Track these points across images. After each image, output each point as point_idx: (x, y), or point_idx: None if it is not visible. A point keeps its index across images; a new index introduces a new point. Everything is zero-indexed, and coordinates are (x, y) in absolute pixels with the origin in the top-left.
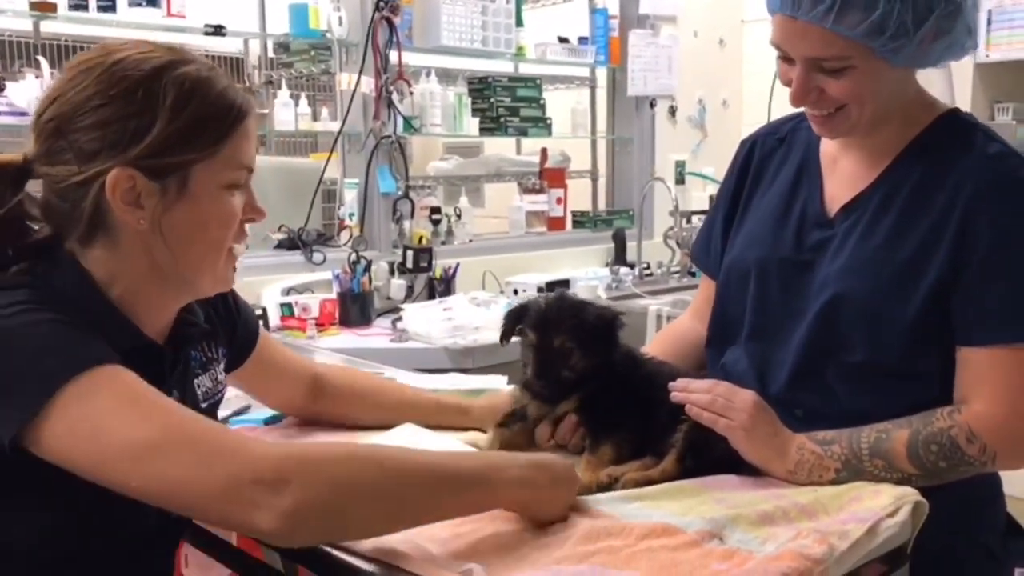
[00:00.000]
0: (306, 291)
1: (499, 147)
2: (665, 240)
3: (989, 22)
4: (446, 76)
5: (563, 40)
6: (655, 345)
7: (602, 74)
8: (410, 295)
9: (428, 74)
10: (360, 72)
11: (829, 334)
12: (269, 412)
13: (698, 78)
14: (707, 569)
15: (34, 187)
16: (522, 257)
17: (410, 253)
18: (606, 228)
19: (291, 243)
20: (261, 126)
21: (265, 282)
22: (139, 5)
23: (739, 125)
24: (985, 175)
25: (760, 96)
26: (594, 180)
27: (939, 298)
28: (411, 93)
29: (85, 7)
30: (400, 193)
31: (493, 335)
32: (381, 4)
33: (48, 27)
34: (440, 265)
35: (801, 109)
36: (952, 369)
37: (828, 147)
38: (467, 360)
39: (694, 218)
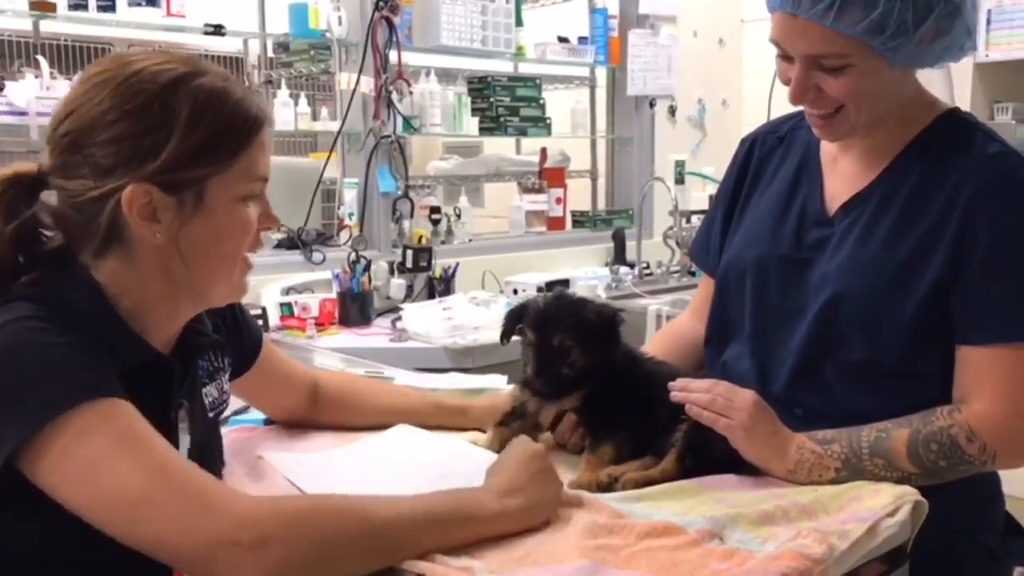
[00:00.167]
0: (306, 291)
1: (499, 147)
2: (665, 240)
3: (988, 22)
4: (446, 76)
5: (563, 40)
6: (654, 344)
7: (602, 74)
8: (410, 295)
9: (428, 74)
10: (360, 72)
11: (828, 333)
12: None
13: (698, 78)
14: (707, 569)
15: (46, 194)
16: (522, 257)
17: (410, 253)
18: (606, 228)
19: (291, 243)
20: None
21: (265, 282)
22: (138, 5)
23: (739, 125)
24: (985, 175)
25: (760, 96)
26: (594, 180)
27: (938, 297)
28: (411, 93)
29: (85, 7)
30: (400, 193)
31: (493, 335)
32: (381, 4)
33: (48, 27)
34: (440, 265)
35: (801, 108)
36: (951, 368)
37: (828, 146)
38: (467, 360)
39: (694, 218)
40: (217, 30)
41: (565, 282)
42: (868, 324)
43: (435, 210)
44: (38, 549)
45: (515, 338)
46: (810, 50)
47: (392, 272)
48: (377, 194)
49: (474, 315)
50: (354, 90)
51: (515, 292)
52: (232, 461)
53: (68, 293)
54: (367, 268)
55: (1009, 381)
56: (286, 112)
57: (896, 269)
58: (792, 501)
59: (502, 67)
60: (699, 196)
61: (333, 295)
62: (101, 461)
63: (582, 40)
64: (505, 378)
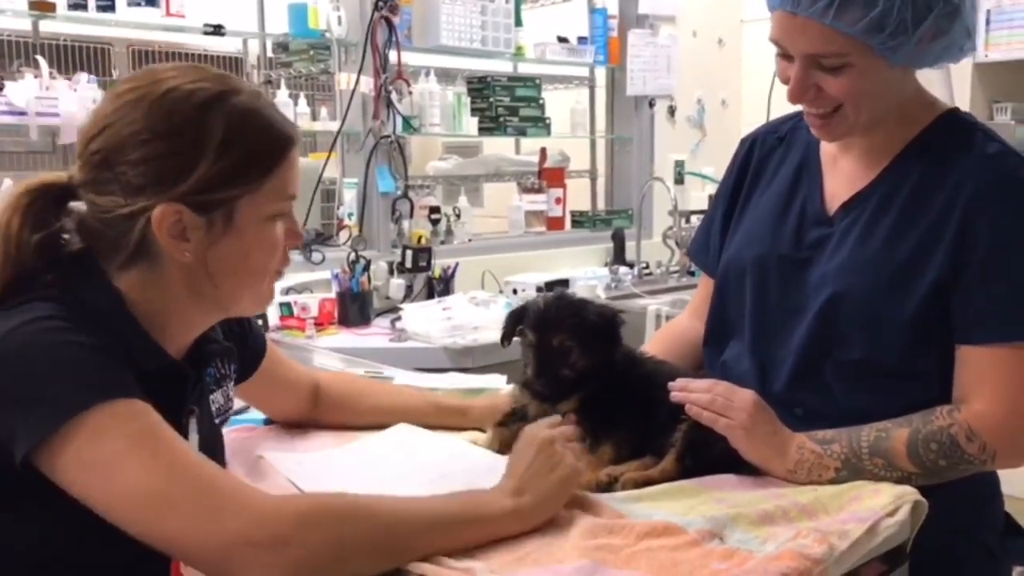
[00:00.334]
0: (305, 291)
1: (498, 147)
2: (664, 240)
3: (988, 22)
4: (445, 76)
5: (562, 40)
6: (654, 344)
7: (601, 74)
8: (409, 295)
9: (427, 74)
10: (359, 72)
11: (828, 333)
12: None
13: (697, 78)
14: (707, 569)
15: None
16: (521, 257)
17: (409, 253)
18: (605, 228)
19: None
20: None
21: None
22: (138, 5)
23: (738, 125)
24: (985, 175)
25: (759, 96)
26: (593, 180)
27: (938, 297)
28: (410, 93)
29: (84, 7)
30: (399, 193)
31: (492, 335)
32: (380, 4)
33: (47, 26)
34: (439, 265)
35: (800, 108)
36: (951, 368)
37: (828, 146)
38: (466, 360)
39: (693, 218)
40: (216, 30)
41: (565, 282)
42: (868, 324)
43: (434, 210)
44: (37, 549)
45: (515, 339)
46: (809, 49)
47: (391, 272)
48: (376, 194)
49: (473, 315)
50: (353, 90)
51: (514, 292)
52: (232, 461)
53: (87, 296)
54: (366, 268)
55: (1009, 381)
56: (286, 112)
57: (896, 269)
58: (792, 501)
59: (501, 67)
60: (698, 196)
61: (332, 295)
62: (120, 460)
63: (581, 40)
64: (505, 378)
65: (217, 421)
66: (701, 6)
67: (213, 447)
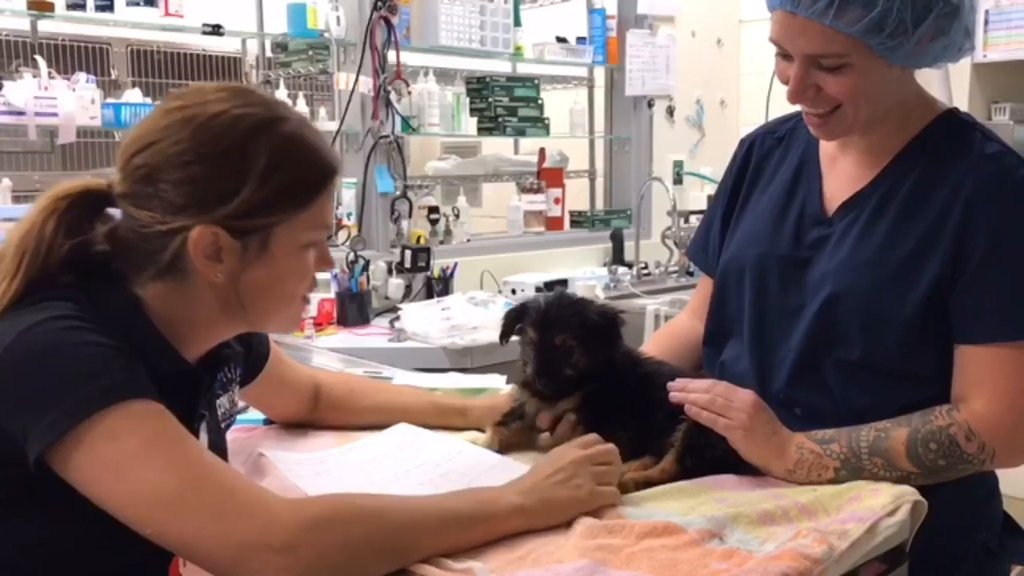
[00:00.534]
0: None
1: (497, 147)
2: (663, 240)
3: (986, 22)
4: (444, 76)
5: (561, 40)
6: (653, 344)
7: (600, 74)
8: (408, 295)
9: (426, 74)
10: (358, 72)
11: (828, 332)
12: None
13: (696, 78)
14: (707, 569)
15: None
16: (520, 257)
17: (408, 253)
18: (604, 228)
19: None
20: None
21: None
22: (137, 4)
23: (737, 125)
24: (984, 175)
25: (758, 96)
26: (592, 180)
27: (937, 297)
28: (409, 93)
29: (83, 6)
30: (398, 193)
31: (491, 335)
32: (379, 4)
33: (46, 26)
34: (438, 265)
35: (799, 108)
36: (950, 367)
37: (827, 146)
38: (465, 360)
39: (692, 218)
40: (215, 30)
41: (563, 282)
42: (867, 323)
43: (433, 210)
44: (43, 548)
45: (514, 338)
46: (809, 49)
47: (390, 272)
48: (375, 194)
49: (472, 315)
50: (352, 90)
51: (513, 292)
52: (232, 461)
53: (103, 299)
54: (365, 268)
55: (1008, 380)
56: None
57: (895, 268)
58: (792, 501)
59: (500, 67)
60: (697, 196)
61: (331, 295)
62: (135, 460)
63: (580, 40)
64: (504, 378)
65: (223, 426)
66: (700, 6)
67: (218, 451)
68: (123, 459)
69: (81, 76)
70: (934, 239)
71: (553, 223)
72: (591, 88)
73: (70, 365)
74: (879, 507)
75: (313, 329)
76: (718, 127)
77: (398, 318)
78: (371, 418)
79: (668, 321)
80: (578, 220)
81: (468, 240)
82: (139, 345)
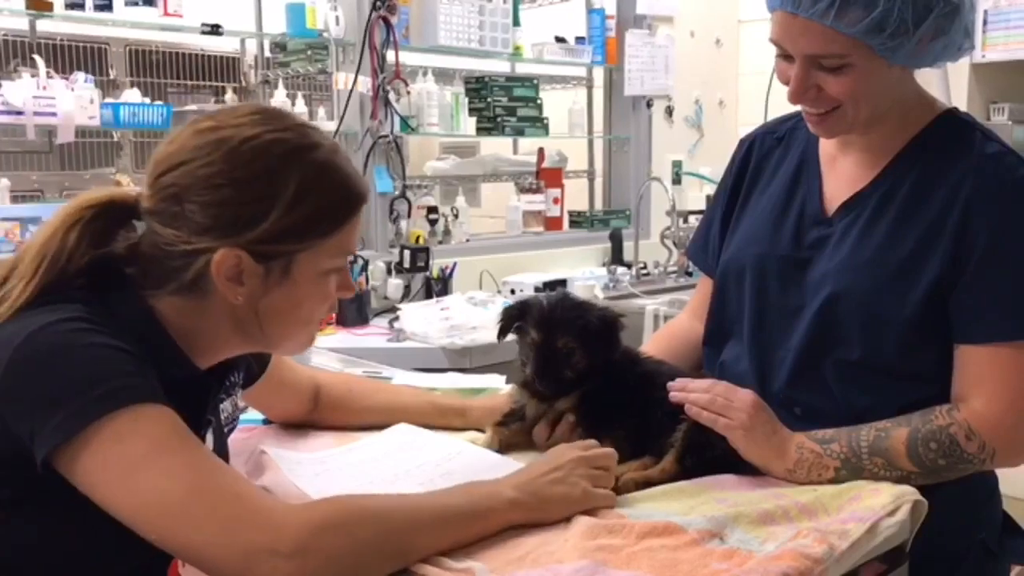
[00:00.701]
0: None
1: (496, 147)
2: (662, 240)
3: (985, 22)
4: (443, 76)
5: (560, 40)
6: (653, 344)
7: (599, 74)
8: (407, 295)
9: (425, 74)
10: (357, 72)
11: (827, 332)
12: None
13: (695, 78)
14: (707, 569)
15: None
16: (519, 257)
17: (407, 253)
18: (603, 228)
19: None
20: None
21: None
22: (135, 4)
23: (735, 125)
24: (984, 174)
25: (756, 96)
26: (591, 180)
27: (937, 297)
28: (408, 93)
29: (81, 6)
30: (397, 193)
31: (490, 335)
32: (378, 3)
33: (44, 26)
34: (437, 265)
35: (799, 108)
36: (950, 367)
37: (827, 146)
38: (464, 360)
39: (691, 218)
40: (214, 30)
41: (563, 282)
42: (867, 323)
43: (432, 210)
44: (43, 550)
45: (511, 337)
46: (810, 49)
47: (389, 272)
48: (374, 194)
49: (472, 315)
50: (351, 90)
51: (512, 292)
52: (233, 462)
53: (119, 302)
54: (364, 268)
55: (1008, 379)
56: None
57: (895, 268)
58: (792, 501)
59: (499, 67)
60: (696, 196)
61: None
62: (141, 464)
63: (579, 40)
64: (503, 378)
65: (225, 430)
66: (699, 6)
67: (221, 455)
68: (130, 463)
69: (80, 76)
70: (934, 239)
71: (552, 223)
72: (590, 88)
73: (79, 367)
74: (879, 507)
75: None
76: (717, 127)
77: (397, 318)
78: (371, 418)
79: (668, 322)
80: (577, 220)
81: (467, 240)
82: (150, 350)
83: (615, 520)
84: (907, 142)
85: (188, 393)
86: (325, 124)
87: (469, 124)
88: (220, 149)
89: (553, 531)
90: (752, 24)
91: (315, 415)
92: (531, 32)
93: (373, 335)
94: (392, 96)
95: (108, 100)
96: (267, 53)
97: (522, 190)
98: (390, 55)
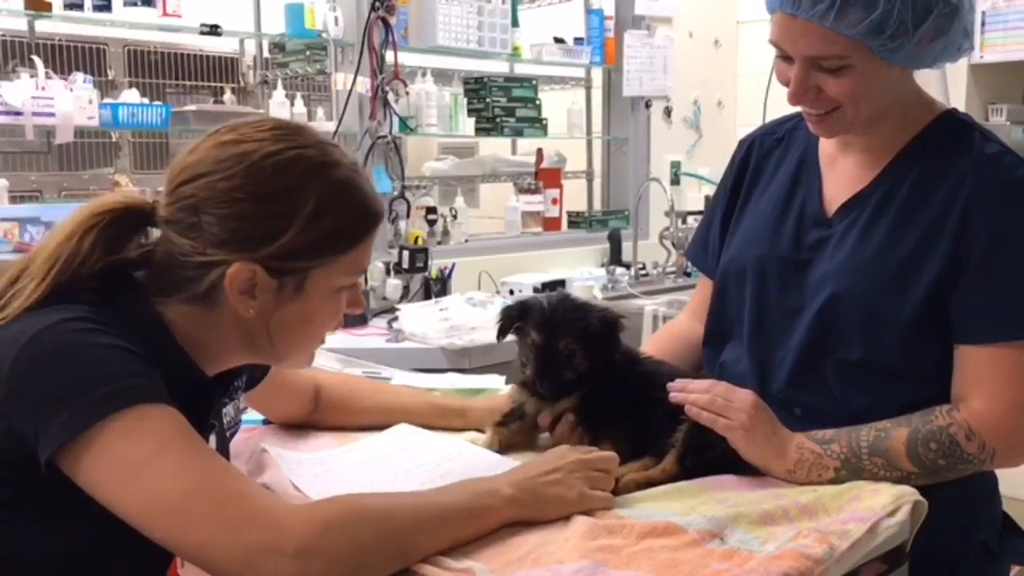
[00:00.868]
0: None
1: (494, 147)
2: (661, 240)
3: (983, 23)
4: (442, 76)
5: (559, 40)
6: (652, 345)
7: (597, 74)
8: (406, 295)
9: (424, 74)
10: (356, 72)
11: (827, 333)
12: None
13: (693, 79)
14: (708, 569)
15: None
16: (518, 257)
17: (406, 253)
18: (602, 228)
19: None
20: None
21: None
22: (134, 5)
23: (734, 126)
24: (983, 175)
25: (755, 97)
26: (589, 180)
27: (937, 297)
28: (407, 93)
29: (80, 6)
30: (396, 193)
31: (489, 335)
32: (377, 4)
33: (43, 26)
34: (436, 265)
35: (798, 109)
36: (950, 367)
37: (827, 146)
38: (463, 360)
39: (690, 218)
40: (213, 30)
41: (561, 283)
42: (867, 324)
43: (431, 211)
44: (44, 551)
45: (511, 337)
46: (810, 51)
47: (388, 272)
48: None
49: (470, 316)
50: (350, 90)
51: (511, 293)
52: (234, 462)
53: (127, 305)
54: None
55: (1008, 379)
56: (282, 112)
57: (895, 269)
58: (792, 501)
59: (498, 68)
60: (695, 197)
61: None
62: (146, 464)
63: (578, 41)
64: (503, 378)
65: (228, 434)
66: (697, 7)
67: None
68: (135, 462)
69: (78, 76)
70: (934, 239)
71: (551, 224)
72: (589, 89)
73: (85, 367)
74: (879, 507)
75: None
76: (715, 128)
77: (396, 318)
78: (371, 418)
79: (667, 322)
80: (576, 221)
81: (466, 241)
82: (156, 353)
83: (615, 520)
84: (907, 142)
85: (193, 397)
86: (324, 125)
87: (468, 125)
88: (242, 163)
89: (553, 531)
90: (751, 25)
91: (315, 416)
92: (530, 33)
93: (372, 335)
94: (391, 96)
95: (107, 100)
96: (266, 53)
97: (521, 191)
98: (389, 55)
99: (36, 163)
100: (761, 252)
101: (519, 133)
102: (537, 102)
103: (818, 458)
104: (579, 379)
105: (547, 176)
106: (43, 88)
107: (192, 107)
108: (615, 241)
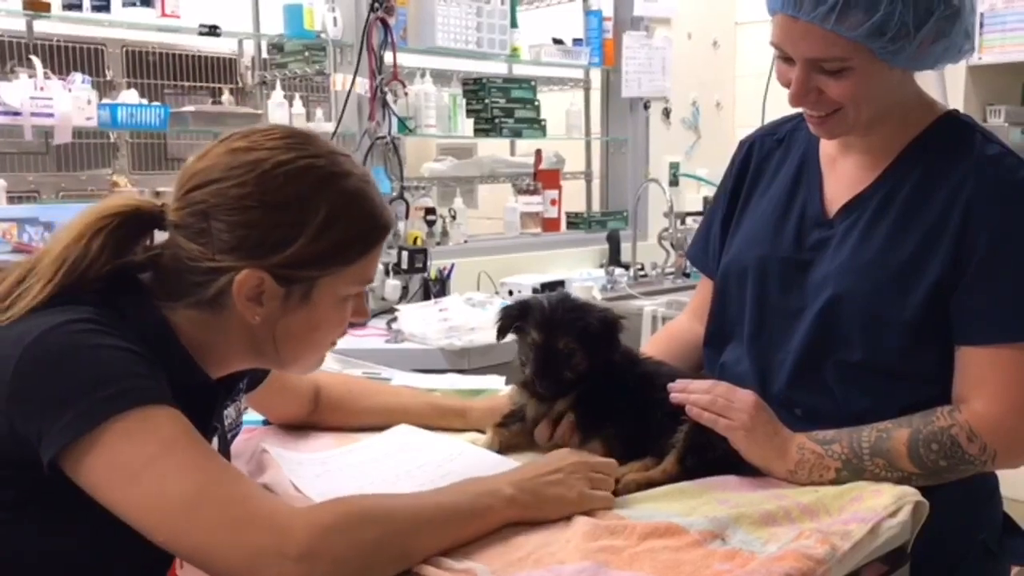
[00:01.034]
0: None
1: (493, 148)
2: (660, 241)
3: (981, 25)
4: (441, 77)
5: (557, 41)
6: (652, 346)
7: (596, 75)
8: (405, 296)
9: (423, 75)
10: (355, 73)
11: (828, 334)
12: None
13: (692, 80)
14: (709, 569)
15: None
16: (517, 258)
17: (405, 254)
18: (600, 229)
19: None
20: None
21: None
22: (133, 5)
23: (732, 127)
24: (984, 176)
25: (754, 98)
26: (588, 181)
27: (938, 298)
28: (405, 94)
29: (79, 7)
30: (395, 194)
31: (489, 336)
32: (376, 5)
33: (41, 26)
34: (435, 266)
35: (799, 110)
36: (951, 368)
37: (827, 147)
38: (462, 361)
39: (688, 219)
40: (212, 31)
41: (560, 283)
42: (868, 325)
43: (430, 211)
44: (45, 552)
45: (510, 337)
46: (811, 53)
47: (387, 273)
48: None
49: (470, 316)
50: (349, 91)
51: (510, 293)
52: (234, 462)
53: (132, 307)
54: None
55: (1009, 380)
56: (280, 113)
57: (896, 270)
58: (794, 501)
59: (497, 68)
60: (693, 198)
61: None
62: (149, 466)
63: (577, 42)
64: (503, 379)
65: (229, 436)
66: (696, 8)
67: None
68: (138, 463)
69: (77, 76)
70: (935, 241)
71: (549, 224)
72: (587, 90)
73: (88, 368)
74: (881, 508)
75: None
76: (714, 129)
77: (395, 319)
78: (370, 419)
79: (667, 323)
80: (574, 221)
81: (465, 241)
82: (160, 356)
83: (617, 521)
84: (907, 144)
85: (196, 400)
86: (323, 125)
87: (467, 125)
88: (253, 171)
89: (554, 532)
90: (749, 26)
91: (315, 416)
92: (528, 34)
93: (371, 336)
94: (390, 97)
95: (105, 101)
96: (264, 54)
97: (519, 191)
98: (388, 56)
99: (34, 163)
100: (762, 253)
101: (518, 134)
102: (536, 103)
103: (819, 459)
104: (579, 379)
105: (546, 177)
106: (41, 88)
107: (190, 108)
108: (614, 242)
